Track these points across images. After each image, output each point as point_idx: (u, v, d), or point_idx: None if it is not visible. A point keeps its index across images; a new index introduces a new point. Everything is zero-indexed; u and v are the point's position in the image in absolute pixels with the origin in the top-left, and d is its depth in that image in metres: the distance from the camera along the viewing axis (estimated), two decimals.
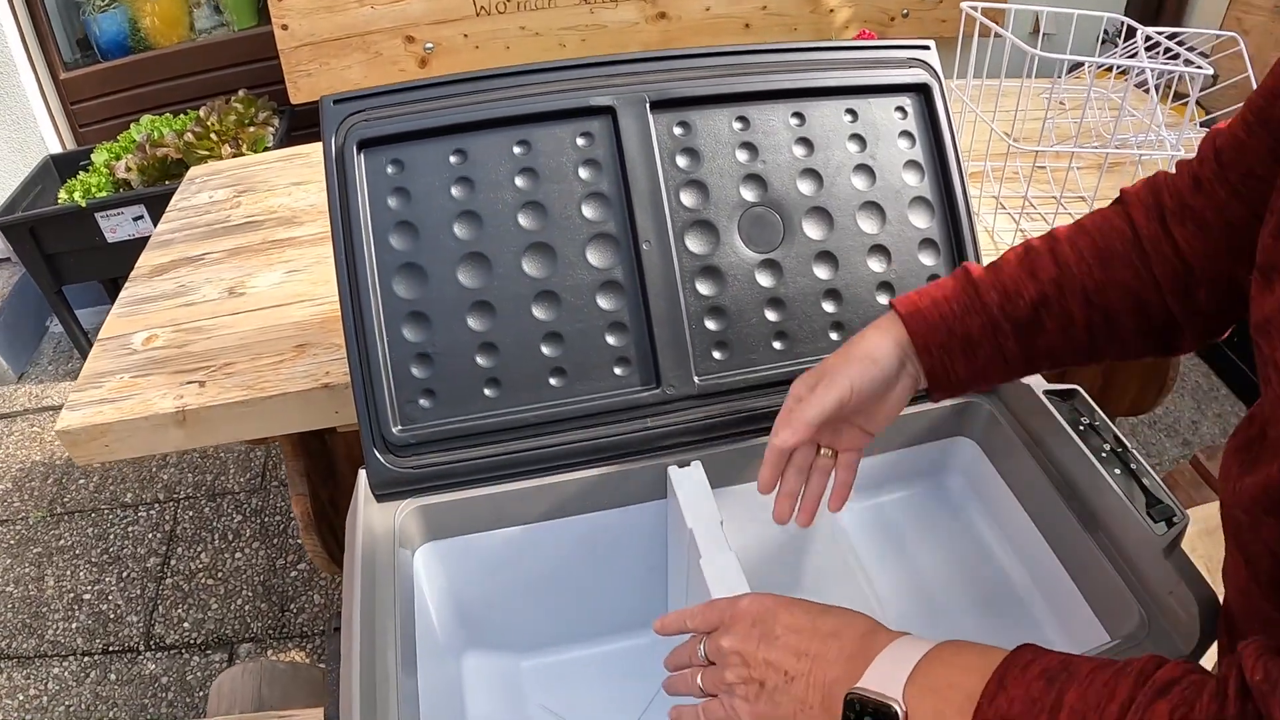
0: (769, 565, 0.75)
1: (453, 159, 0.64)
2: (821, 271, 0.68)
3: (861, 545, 0.72)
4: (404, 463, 0.62)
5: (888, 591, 0.69)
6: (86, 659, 1.13)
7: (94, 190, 1.59)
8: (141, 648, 1.16)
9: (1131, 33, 0.91)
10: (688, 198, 0.66)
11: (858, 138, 0.71)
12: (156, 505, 1.38)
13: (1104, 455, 0.63)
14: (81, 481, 1.41)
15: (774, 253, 0.67)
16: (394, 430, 0.61)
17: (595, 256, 0.64)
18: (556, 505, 0.65)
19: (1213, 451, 0.96)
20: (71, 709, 1.07)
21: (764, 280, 0.67)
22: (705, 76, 0.68)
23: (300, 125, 1.88)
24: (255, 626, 1.17)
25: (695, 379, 0.64)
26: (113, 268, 1.71)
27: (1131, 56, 0.90)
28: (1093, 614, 0.61)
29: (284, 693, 0.85)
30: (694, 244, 0.66)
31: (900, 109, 0.72)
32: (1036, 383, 0.69)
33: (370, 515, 0.61)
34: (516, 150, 0.65)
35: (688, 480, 0.63)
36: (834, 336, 0.68)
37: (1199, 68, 0.78)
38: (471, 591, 0.68)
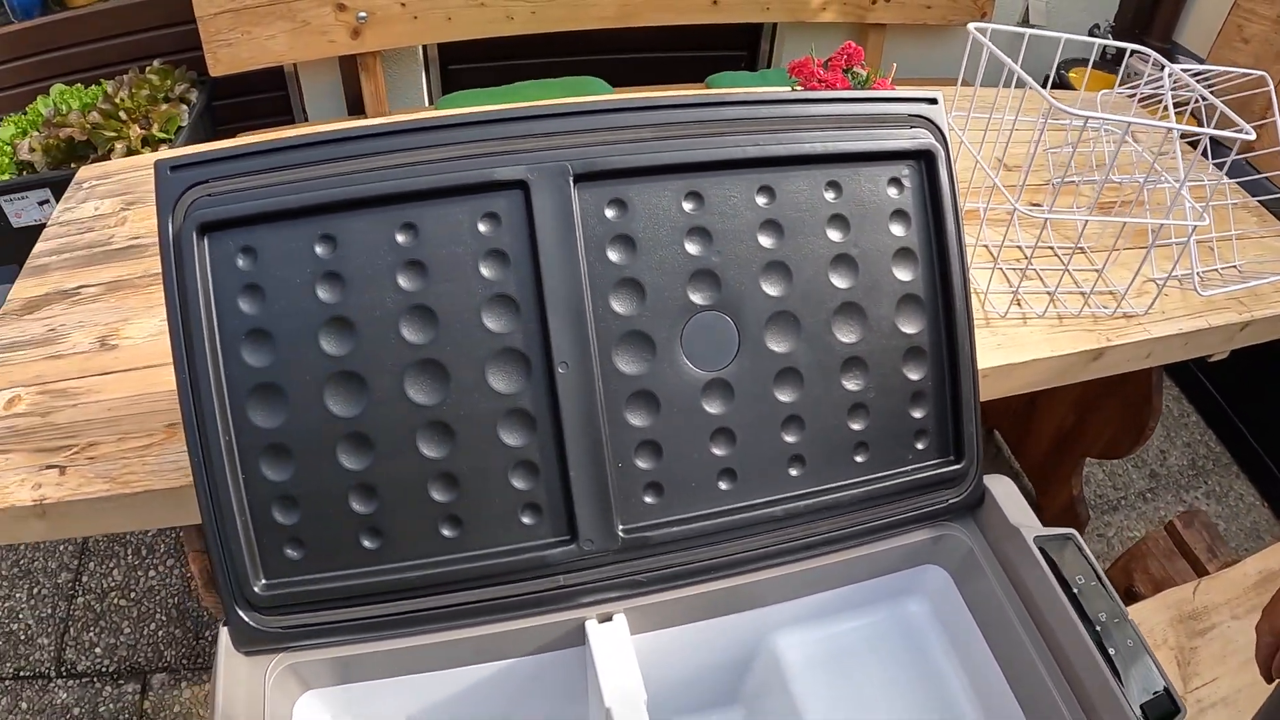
0: (678, 688, 0.71)
1: (319, 249, 0.53)
2: (783, 393, 0.59)
3: (802, 682, 0.67)
4: (270, 621, 0.55)
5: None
6: None
7: None
8: (53, 674, 1.15)
9: (1160, 63, 0.78)
10: (619, 303, 0.56)
11: (840, 220, 0.60)
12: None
13: (1099, 627, 0.57)
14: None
15: (725, 370, 0.58)
16: (255, 587, 0.54)
17: (498, 379, 0.55)
18: (456, 657, 0.59)
19: (1190, 519, 0.92)
20: None
21: (711, 406, 0.58)
22: (648, 139, 0.56)
23: (223, 95, 1.71)
24: (169, 655, 1.15)
25: (619, 530, 0.57)
26: (21, 253, 1.56)
27: (1157, 89, 0.77)
28: None
29: None
30: (625, 362, 0.56)
31: (895, 181, 0.61)
32: (1028, 521, 0.62)
33: (235, 671, 0.55)
34: (400, 238, 0.54)
35: (608, 641, 0.58)
36: (793, 472, 0.60)
37: (1238, 130, 0.66)
38: None
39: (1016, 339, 0.80)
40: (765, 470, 0.59)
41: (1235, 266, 0.92)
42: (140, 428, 0.72)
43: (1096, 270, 0.84)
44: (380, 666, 0.58)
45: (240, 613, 0.55)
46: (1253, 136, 0.72)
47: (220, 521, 0.53)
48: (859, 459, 0.61)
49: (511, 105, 0.56)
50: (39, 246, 0.93)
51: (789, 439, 0.59)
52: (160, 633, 1.21)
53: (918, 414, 0.62)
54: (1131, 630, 0.58)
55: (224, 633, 0.55)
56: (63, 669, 1.17)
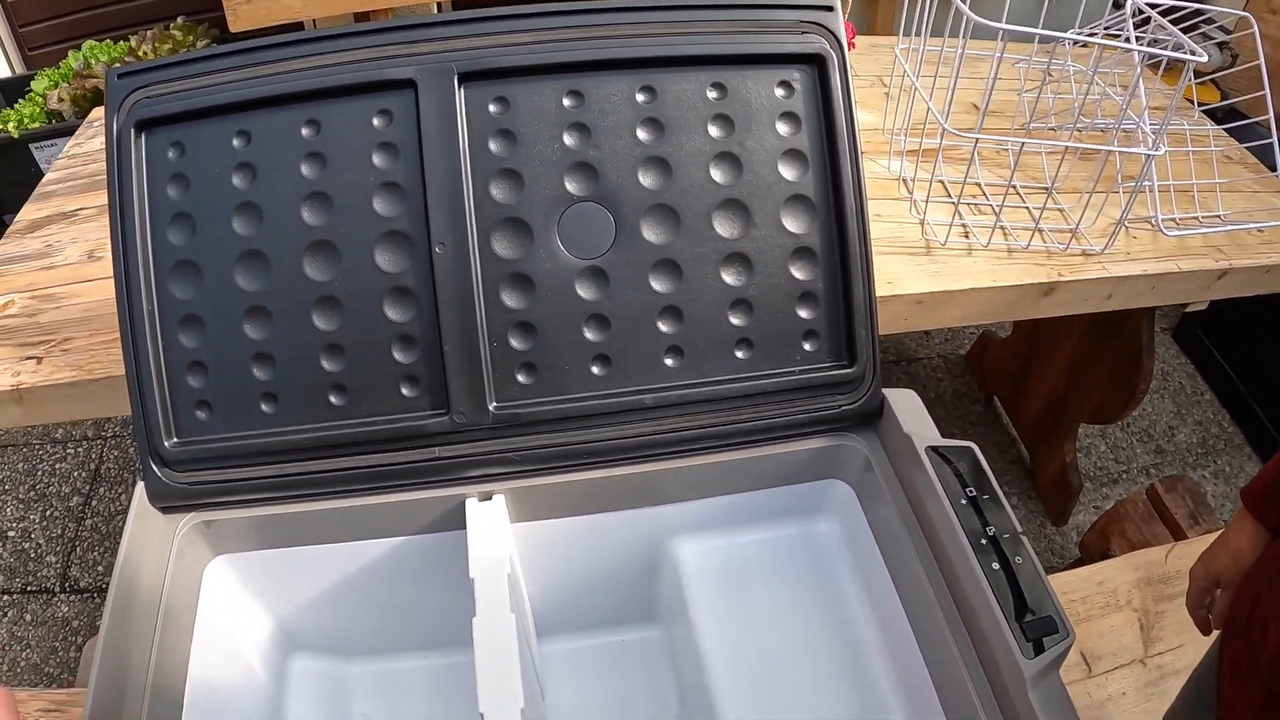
0: (588, 598, 0.73)
1: (235, 142, 0.61)
2: (660, 284, 0.62)
3: (700, 591, 0.69)
4: (180, 477, 0.62)
5: (714, 645, 0.66)
6: (6, 597, 1.26)
7: (27, 121, 1.65)
8: (57, 589, 1.28)
9: (1120, 3, 0.76)
10: (499, 190, 0.61)
11: (723, 119, 0.63)
12: (85, 442, 1.50)
13: (984, 541, 0.56)
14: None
15: (600, 259, 0.62)
16: (167, 444, 0.61)
17: (384, 258, 0.61)
18: (353, 529, 0.65)
19: (1173, 483, 0.86)
20: None
21: (585, 292, 0.62)
22: (533, 42, 0.61)
23: None
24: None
25: (490, 406, 0.61)
26: None
27: (1120, 28, 0.75)
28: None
29: None
30: (502, 247, 0.61)
31: (785, 84, 0.63)
32: (923, 432, 0.62)
33: (149, 527, 0.62)
34: (305, 132, 0.61)
35: (484, 519, 0.61)
36: (669, 362, 0.63)
37: (1190, 52, 0.65)
38: (285, 603, 0.70)
39: (958, 268, 0.79)
40: (640, 358, 0.62)
41: (1219, 215, 0.88)
42: (108, 326, 0.82)
43: (1059, 209, 0.82)
44: (281, 532, 0.64)
45: (155, 468, 0.62)
46: (1204, 59, 0.70)
47: (140, 383, 0.61)
48: (740, 354, 0.63)
49: (409, 16, 0.63)
50: (48, 175, 1.07)
51: (665, 329, 0.62)
52: None
53: (805, 314, 0.64)
54: (1024, 548, 0.56)
55: (139, 488, 0.63)
56: (67, 585, 1.30)
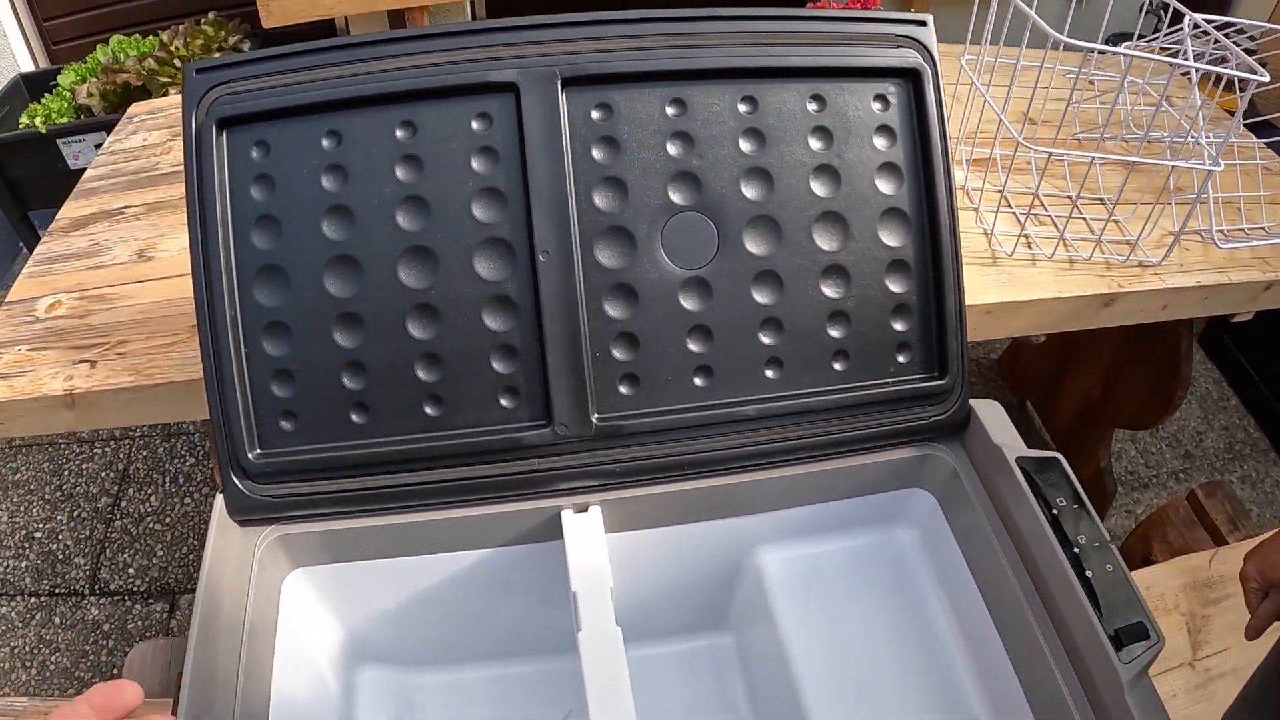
0: (663, 606, 0.69)
1: (325, 142, 0.55)
2: (761, 295, 0.58)
3: (784, 599, 0.64)
4: (263, 489, 0.56)
5: (801, 651, 0.62)
6: (34, 599, 1.16)
7: (55, 116, 1.54)
8: (86, 592, 1.19)
9: (1178, 16, 0.74)
10: (602, 199, 0.56)
11: (823, 131, 0.59)
12: (113, 442, 1.40)
13: (1077, 550, 0.53)
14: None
15: (704, 269, 0.57)
16: (250, 456, 0.55)
17: (484, 266, 0.55)
18: (439, 541, 0.59)
19: (1212, 489, 0.85)
20: (16, 650, 1.11)
21: (689, 303, 0.57)
22: (635, 48, 0.56)
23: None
24: (198, 577, 1.19)
25: (593, 418, 0.56)
26: None
27: (1177, 43, 0.74)
28: None
29: None
30: (605, 256, 0.56)
31: (881, 98, 0.60)
32: (1012, 443, 0.59)
33: (228, 540, 0.56)
34: (399, 134, 0.55)
35: (581, 531, 0.56)
36: (769, 374, 0.58)
37: (1253, 71, 0.63)
38: (358, 614, 0.64)
39: (1024, 278, 0.77)
40: (741, 370, 0.58)
41: (1263, 228, 0.87)
42: (166, 328, 0.75)
43: (1114, 220, 0.80)
44: (364, 546, 0.59)
45: (235, 481, 0.56)
46: (1265, 78, 0.68)
47: (222, 393, 0.55)
48: (838, 366, 0.59)
49: (508, 18, 0.58)
50: (89, 173, 0.98)
51: (766, 340, 0.58)
52: (191, 556, 1.24)
53: (900, 327, 0.60)
54: (1113, 555, 0.54)
55: (219, 501, 0.56)
56: (96, 587, 1.21)
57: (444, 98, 0.55)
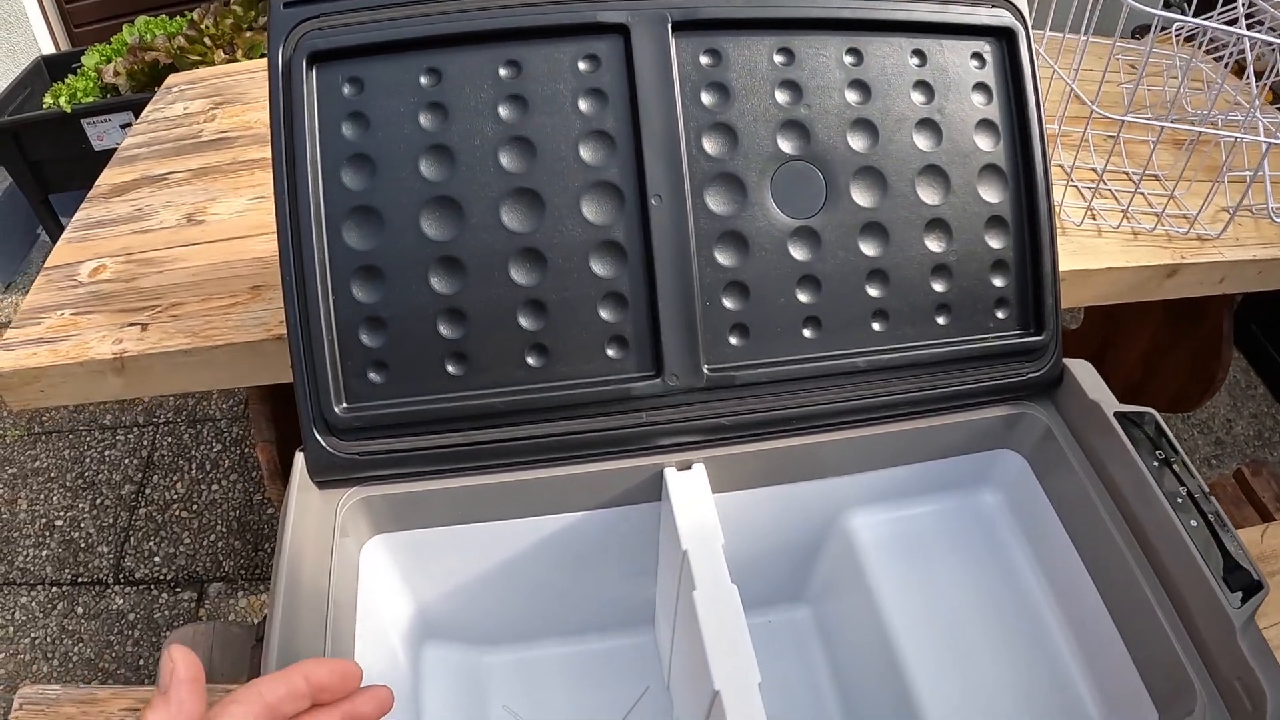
0: (741, 577, 0.63)
1: (424, 80, 0.49)
2: (868, 247, 0.53)
3: (877, 563, 0.59)
4: (348, 447, 0.49)
5: (902, 621, 0.57)
6: (55, 589, 1.05)
7: (80, 95, 1.44)
8: (110, 581, 1.08)
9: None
10: (712, 145, 0.51)
11: (924, 86, 0.55)
12: (135, 429, 1.29)
13: (1180, 500, 0.49)
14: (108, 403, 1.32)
15: (813, 219, 0.52)
16: (336, 410, 0.48)
17: (592, 210, 0.50)
18: (530, 503, 0.53)
19: (1258, 467, 0.83)
20: (37, 641, 1.00)
21: (798, 253, 0.52)
22: None
23: None
24: (227, 565, 1.08)
25: (704, 369, 0.50)
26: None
27: (1230, 23, 0.72)
28: (1141, 683, 0.49)
29: (235, 660, 0.76)
30: (715, 203, 0.51)
31: (977, 56, 0.56)
32: (1107, 399, 0.55)
33: (308, 503, 0.49)
34: (503, 73, 0.50)
35: (687, 489, 0.51)
36: (875, 327, 0.53)
37: None
38: (430, 587, 0.57)
39: (1092, 248, 0.74)
40: (849, 321, 0.53)
41: None
42: (224, 290, 0.67)
43: (1173, 196, 0.78)
44: (450, 509, 0.52)
45: (319, 437, 0.49)
46: None
47: (308, 342, 0.48)
48: (940, 320, 0.55)
49: None
50: (127, 140, 0.90)
51: (873, 293, 0.53)
52: (220, 544, 1.14)
53: (999, 283, 0.56)
54: (1214, 505, 0.50)
55: (299, 460, 0.49)
56: (120, 576, 1.10)
57: (550, 37, 0.50)
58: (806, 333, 0.52)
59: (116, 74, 1.42)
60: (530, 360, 0.50)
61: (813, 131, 0.52)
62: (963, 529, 0.62)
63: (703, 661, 0.43)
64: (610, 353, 0.50)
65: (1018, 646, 0.56)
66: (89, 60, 1.50)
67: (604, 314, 0.50)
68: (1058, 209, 0.75)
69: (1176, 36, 0.95)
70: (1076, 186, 0.78)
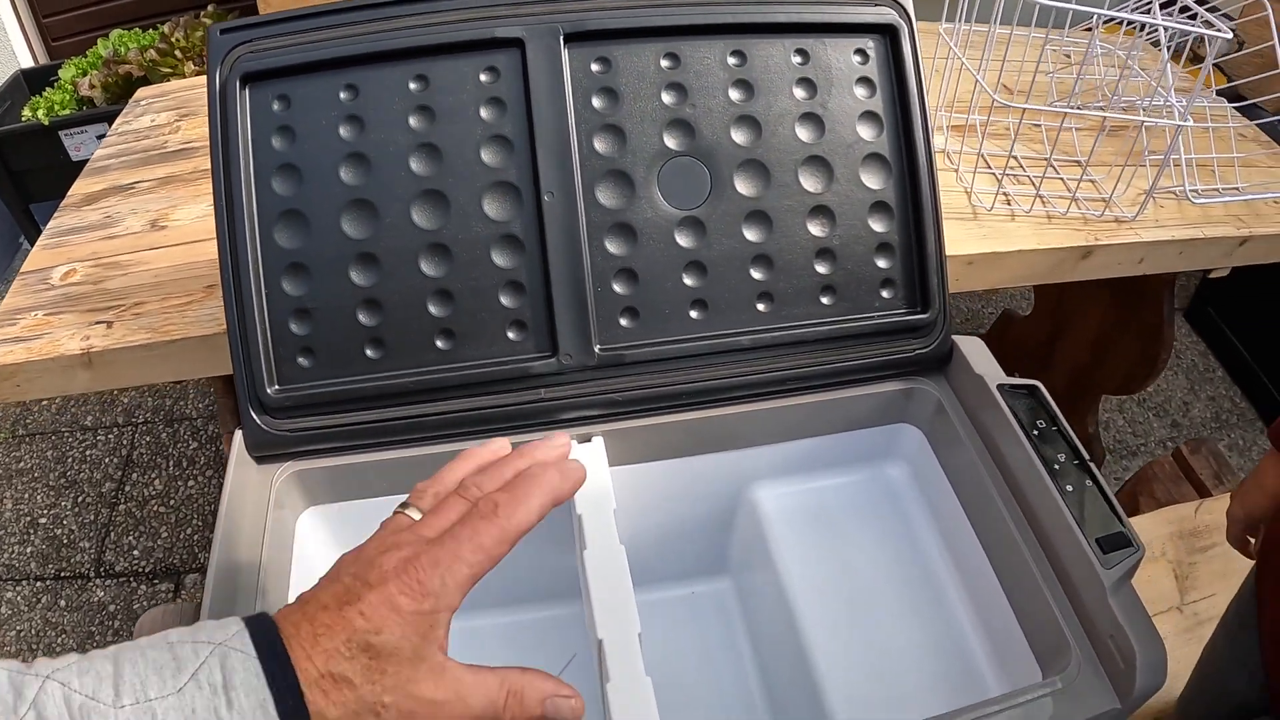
0: (662, 550, 0.72)
1: (343, 95, 0.60)
2: (751, 233, 0.62)
3: (781, 534, 0.68)
4: (280, 425, 0.60)
5: (803, 589, 0.65)
6: (39, 584, 1.18)
7: (57, 108, 1.59)
8: (92, 574, 1.21)
9: None
10: (602, 144, 0.61)
11: (807, 82, 0.64)
12: (115, 429, 1.43)
13: (1057, 467, 0.57)
14: (45, 403, 1.46)
15: (697, 210, 0.62)
16: (269, 391, 0.59)
17: (493, 207, 0.60)
18: None
19: (1197, 445, 0.89)
20: (22, 634, 1.13)
21: (684, 240, 0.62)
22: (632, 6, 0.61)
23: None
24: (203, 557, 1.21)
25: (596, 348, 0.60)
26: None
27: (1146, 11, 0.79)
28: (1027, 645, 0.57)
29: None
30: (605, 197, 0.61)
31: (861, 52, 0.65)
32: (993, 373, 0.63)
33: (245, 477, 0.59)
34: (413, 86, 0.60)
35: (585, 460, 0.60)
36: (760, 307, 0.63)
37: (1218, 30, 0.68)
38: None
39: (1004, 231, 0.82)
40: (734, 303, 0.62)
41: (1237, 187, 0.92)
42: (182, 289, 0.79)
43: (1090, 179, 0.85)
44: (375, 481, 0.62)
45: (255, 416, 0.59)
46: (1228, 35, 0.73)
47: (244, 332, 0.59)
48: (825, 300, 0.64)
49: None
50: (99, 152, 1.03)
51: (757, 275, 0.62)
52: (196, 537, 1.27)
53: (883, 264, 0.65)
54: (1092, 472, 0.58)
55: (237, 437, 0.60)
56: (101, 569, 1.23)
57: (454, 53, 0.60)
58: (694, 314, 0.61)
59: (92, 87, 1.57)
60: (439, 343, 0.60)
61: (698, 129, 0.62)
62: (868, 501, 0.70)
63: (591, 614, 0.53)
64: (511, 335, 0.60)
65: (917, 611, 0.64)
66: (66, 74, 1.65)
67: (504, 300, 0.60)
68: (969, 193, 0.83)
69: (1103, 26, 1.01)
70: (992, 172, 0.86)
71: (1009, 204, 0.84)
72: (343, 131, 0.60)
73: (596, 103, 0.61)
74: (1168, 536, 0.84)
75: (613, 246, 0.60)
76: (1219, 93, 0.99)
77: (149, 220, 0.89)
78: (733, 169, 0.62)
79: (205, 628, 0.32)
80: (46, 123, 1.58)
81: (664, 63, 0.62)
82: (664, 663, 0.72)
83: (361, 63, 0.60)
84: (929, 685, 0.61)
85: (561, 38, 0.60)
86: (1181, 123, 0.73)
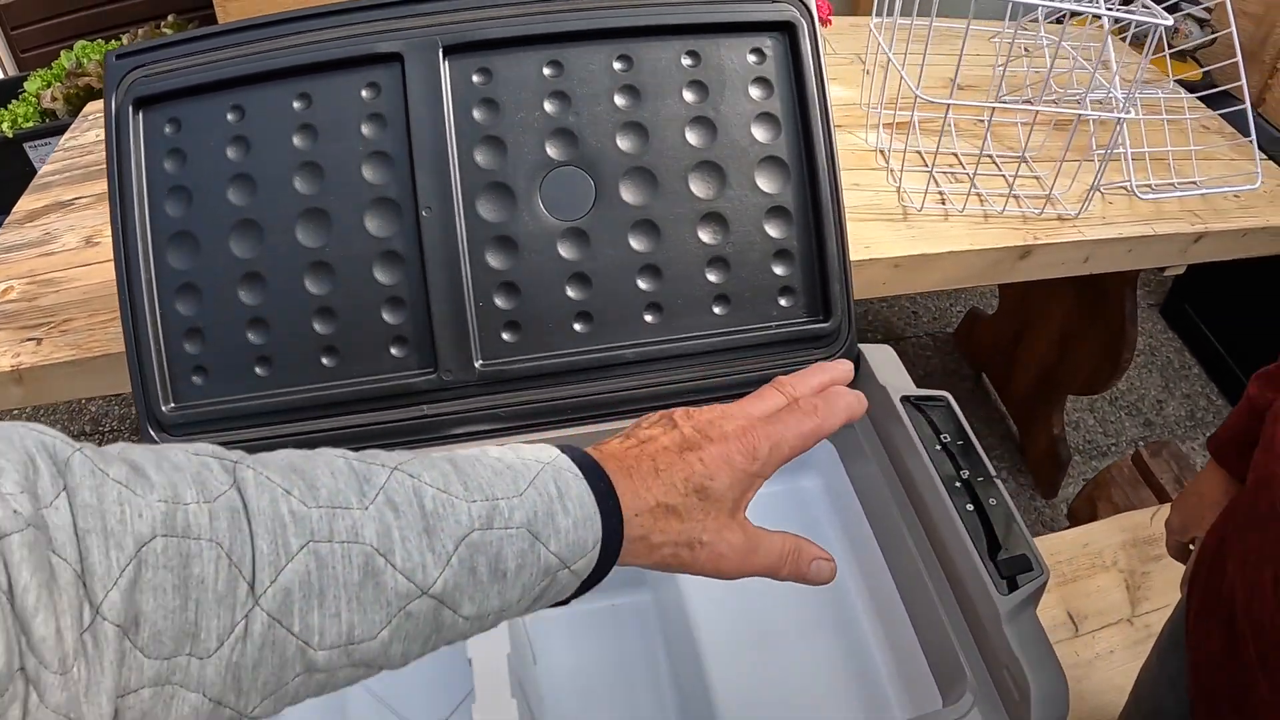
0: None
1: (230, 117, 0.62)
2: (638, 243, 0.63)
3: None
4: (177, 442, 0.62)
5: (700, 604, 0.65)
6: None
7: (21, 120, 1.66)
8: None
9: None
10: (483, 156, 0.62)
11: (698, 85, 0.63)
12: (83, 437, 1.49)
13: (957, 485, 0.56)
14: (15, 412, 1.53)
15: (580, 220, 0.62)
16: (164, 409, 0.62)
17: (374, 224, 0.61)
18: None
19: (1158, 448, 0.86)
20: None
21: (566, 252, 0.62)
22: (514, 15, 0.62)
23: None
24: None
25: (476, 364, 0.61)
26: None
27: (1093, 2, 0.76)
28: (928, 669, 0.56)
29: None
30: (486, 210, 0.62)
31: (757, 51, 0.64)
32: (899, 384, 0.62)
33: None
34: (296, 105, 0.62)
35: None
36: (649, 319, 0.63)
37: (1159, 18, 0.65)
38: None
39: (935, 232, 0.79)
40: (621, 315, 0.62)
41: (1194, 181, 0.88)
42: (107, 306, 0.83)
43: (1035, 176, 0.82)
44: None
45: (152, 434, 0.62)
46: (1169, 22, 0.70)
47: (139, 352, 0.62)
48: (718, 310, 0.63)
49: None
50: (45, 168, 1.08)
51: (644, 286, 0.62)
52: None
53: (781, 271, 0.64)
54: (997, 490, 0.56)
55: None
56: None
57: (336, 70, 0.62)
58: (578, 327, 0.62)
59: (54, 99, 1.64)
60: (325, 361, 0.62)
61: (581, 137, 0.62)
62: (782, 515, 0.70)
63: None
64: (393, 351, 0.61)
65: (823, 631, 0.64)
66: (31, 85, 1.72)
67: (386, 316, 0.61)
68: (900, 192, 0.81)
69: (1060, 19, 0.97)
70: (928, 170, 0.84)
71: (943, 203, 0.81)
72: (229, 153, 0.62)
73: (477, 114, 0.62)
74: (1120, 544, 0.81)
75: (494, 260, 0.61)
76: (1196, 85, 0.94)
77: (85, 237, 0.93)
78: (618, 177, 0.62)
79: (528, 448, 0.36)
80: (11, 135, 1.65)
81: (547, 71, 0.62)
82: (582, 675, 0.73)
83: (247, 83, 0.62)
84: (831, 711, 0.60)
85: (441, 50, 0.61)
86: (1122, 115, 0.70)
